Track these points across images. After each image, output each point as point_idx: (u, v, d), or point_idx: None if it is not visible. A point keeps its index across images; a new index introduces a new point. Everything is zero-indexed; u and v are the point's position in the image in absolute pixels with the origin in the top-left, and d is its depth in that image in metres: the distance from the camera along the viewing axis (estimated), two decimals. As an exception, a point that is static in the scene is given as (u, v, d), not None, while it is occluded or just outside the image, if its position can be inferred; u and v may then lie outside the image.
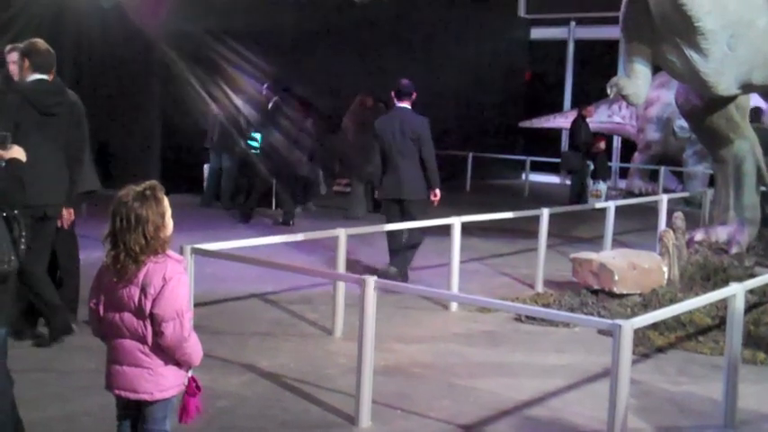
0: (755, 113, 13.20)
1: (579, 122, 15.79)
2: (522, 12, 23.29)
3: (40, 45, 6.15)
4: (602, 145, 15.96)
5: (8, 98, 5.97)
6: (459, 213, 8.16)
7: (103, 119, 12.49)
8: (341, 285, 6.74)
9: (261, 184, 13.03)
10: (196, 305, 3.42)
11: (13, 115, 5.82)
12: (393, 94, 8.96)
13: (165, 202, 3.40)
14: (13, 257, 3.72)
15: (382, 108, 14.08)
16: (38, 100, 5.98)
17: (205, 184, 14.36)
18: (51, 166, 6.07)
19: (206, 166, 14.42)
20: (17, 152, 4.04)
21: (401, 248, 8.71)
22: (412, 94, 8.87)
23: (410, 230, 8.67)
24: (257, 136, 13.30)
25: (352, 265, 9.05)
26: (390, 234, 8.63)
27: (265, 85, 13.52)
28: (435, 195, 8.76)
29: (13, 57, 6.54)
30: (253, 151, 13.47)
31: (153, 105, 14.92)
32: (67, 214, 6.30)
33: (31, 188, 5.87)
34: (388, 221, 8.61)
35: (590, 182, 15.69)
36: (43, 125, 5.99)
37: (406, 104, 8.85)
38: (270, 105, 13.01)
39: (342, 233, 6.93)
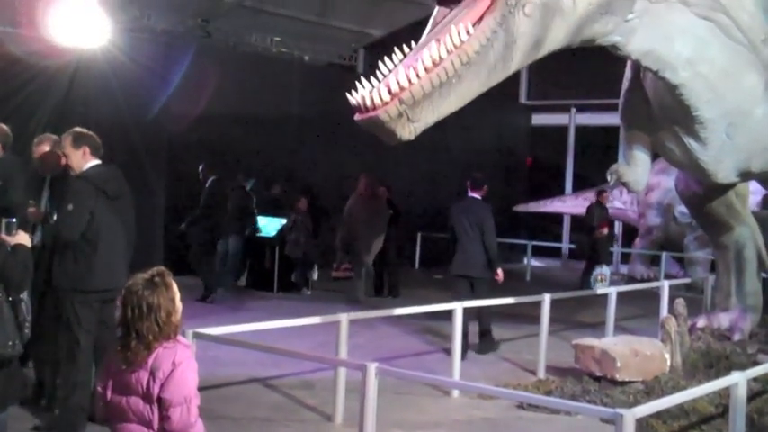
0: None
1: (595, 207, 15.96)
2: (523, 98, 23.62)
3: (85, 131, 6.31)
4: (605, 230, 16.10)
5: (78, 185, 6.06)
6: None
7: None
8: (342, 371, 6.71)
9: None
10: (198, 389, 3.42)
11: (89, 203, 5.95)
12: (468, 184, 10.05)
13: (174, 286, 3.44)
14: (17, 342, 3.74)
15: (384, 193, 14.22)
16: (108, 186, 6.11)
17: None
18: (121, 250, 6.19)
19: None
20: (23, 238, 4.10)
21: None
22: (483, 186, 10.00)
23: (480, 315, 9.67)
24: (265, 220, 13.48)
25: (353, 350, 9.00)
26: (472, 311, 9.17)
27: (201, 167, 13.62)
28: (497, 275, 9.64)
29: (44, 147, 6.66)
30: (260, 234, 13.67)
31: (159, 187, 15.07)
32: None
33: (104, 273, 6.02)
34: (456, 297, 8.92)
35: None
36: (112, 210, 6.11)
37: (477, 195, 9.95)
38: (207, 185, 13.19)
39: (344, 318, 6.92)
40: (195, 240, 12.95)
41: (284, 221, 14.34)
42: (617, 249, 20.90)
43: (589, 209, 16.29)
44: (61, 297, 6.05)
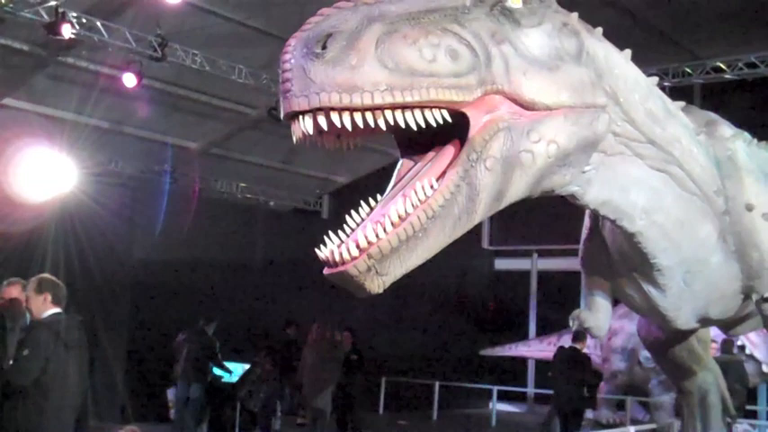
0: (728, 345, 13.38)
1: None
2: (485, 244, 23.93)
3: (52, 278, 6.32)
4: None
5: (37, 332, 6.02)
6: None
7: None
8: None
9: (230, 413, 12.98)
10: None
11: (46, 351, 5.89)
12: (573, 335, 12.68)
13: None
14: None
15: (348, 337, 14.16)
16: (68, 335, 6.06)
17: (172, 411, 14.10)
18: (72, 401, 6.09)
19: (169, 391, 14.21)
20: None
21: None
22: (585, 339, 12.55)
23: None
24: (229, 366, 13.32)
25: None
26: None
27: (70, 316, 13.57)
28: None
29: (13, 291, 6.64)
30: (222, 380, 13.44)
31: (122, 331, 14.90)
32: None
33: (54, 422, 5.89)
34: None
35: None
36: (68, 360, 6.04)
37: (577, 345, 12.60)
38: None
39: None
40: None
41: (246, 367, 14.16)
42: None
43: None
44: None
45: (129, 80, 15.33)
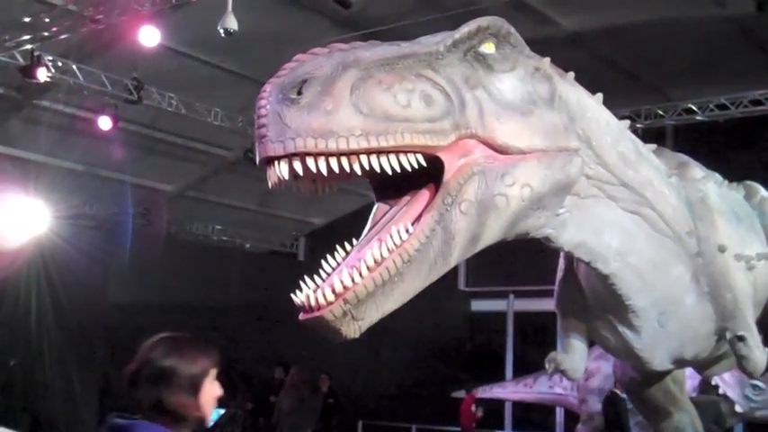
0: (706, 386, 13.38)
1: None
2: (461, 285, 23.93)
3: None
4: None
5: None
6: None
7: (39, 395, 12.30)
8: None
9: None
10: None
11: None
12: (615, 383, 12.58)
13: None
14: None
15: (325, 381, 14.05)
16: None
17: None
18: None
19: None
20: None
21: None
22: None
23: None
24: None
25: None
26: None
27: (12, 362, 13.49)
28: None
29: None
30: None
31: (96, 375, 14.74)
32: None
33: None
34: None
35: None
36: None
37: (617, 390, 12.81)
38: None
39: None
40: None
41: (221, 411, 14.03)
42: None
43: None
44: None
45: (105, 123, 15.33)
